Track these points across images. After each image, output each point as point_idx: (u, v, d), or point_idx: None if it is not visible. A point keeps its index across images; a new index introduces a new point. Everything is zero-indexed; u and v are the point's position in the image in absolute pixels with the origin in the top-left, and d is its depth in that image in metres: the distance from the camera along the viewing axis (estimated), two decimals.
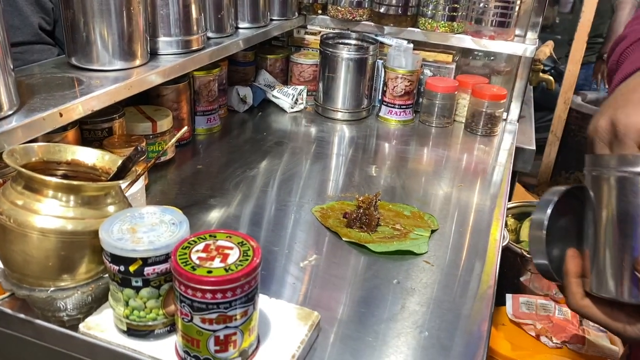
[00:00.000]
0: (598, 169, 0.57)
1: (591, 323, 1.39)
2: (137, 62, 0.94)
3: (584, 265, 0.58)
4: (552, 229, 0.61)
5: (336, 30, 1.56)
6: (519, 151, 1.43)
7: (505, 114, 1.50)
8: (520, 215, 1.75)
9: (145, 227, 0.60)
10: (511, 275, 1.50)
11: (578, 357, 1.29)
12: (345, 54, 1.40)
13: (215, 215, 0.97)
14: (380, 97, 1.51)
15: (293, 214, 0.99)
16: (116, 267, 0.58)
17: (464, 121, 1.47)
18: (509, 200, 1.76)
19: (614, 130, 0.57)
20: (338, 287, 0.80)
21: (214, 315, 0.54)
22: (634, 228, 0.53)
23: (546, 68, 3.19)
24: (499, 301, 1.39)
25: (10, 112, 0.72)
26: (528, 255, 1.46)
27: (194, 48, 1.06)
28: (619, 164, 0.55)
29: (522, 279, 1.51)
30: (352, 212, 0.94)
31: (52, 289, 0.62)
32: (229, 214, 0.98)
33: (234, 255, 0.56)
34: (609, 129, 0.57)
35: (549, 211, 0.60)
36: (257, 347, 0.62)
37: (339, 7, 1.51)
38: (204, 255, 0.56)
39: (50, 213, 0.59)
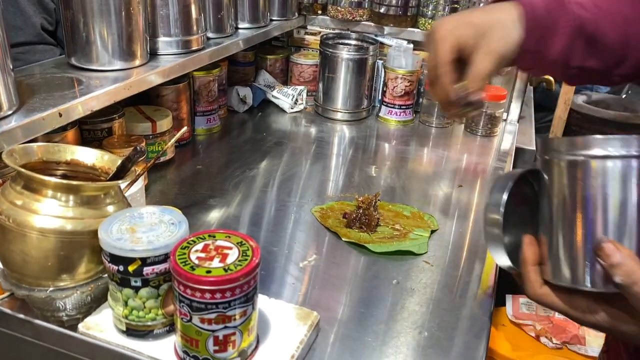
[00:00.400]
0: (549, 153, 0.56)
1: None
2: (137, 62, 0.94)
3: (541, 252, 0.57)
4: (507, 214, 0.59)
5: (336, 31, 1.56)
6: (519, 152, 1.43)
7: (505, 115, 1.50)
8: None
9: (145, 227, 0.60)
10: (511, 275, 1.50)
11: (578, 357, 1.29)
12: (345, 54, 1.40)
13: (214, 215, 0.97)
14: (380, 98, 1.51)
15: (293, 214, 0.99)
16: (115, 267, 0.58)
17: (463, 121, 1.47)
18: None
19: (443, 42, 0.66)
20: (337, 287, 0.80)
21: (213, 315, 0.54)
22: (588, 212, 0.52)
23: None
24: (499, 302, 1.39)
25: (9, 112, 0.72)
26: None
27: (193, 48, 1.06)
28: (569, 148, 0.54)
29: None
30: (352, 213, 0.94)
31: (51, 289, 0.62)
32: (228, 214, 0.98)
33: (233, 255, 0.56)
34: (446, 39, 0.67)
35: (505, 195, 0.58)
36: (256, 347, 0.62)
37: (338, 8, 1.51)
38: (203, 255, 0.56)
39: (49, 213, 0.59)
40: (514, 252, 0.60)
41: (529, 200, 0.61)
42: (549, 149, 0.56)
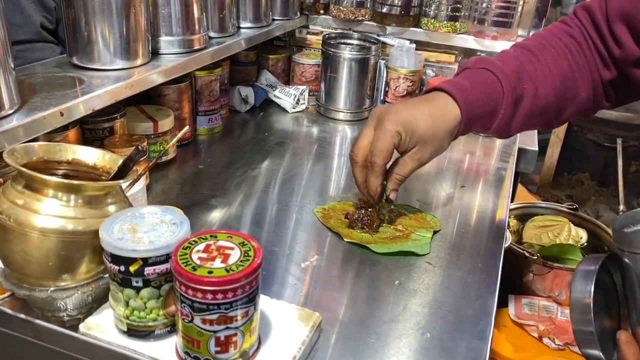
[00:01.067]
0: (635, 249, 0.55)
1: None
2: (139, 61, 0.94)
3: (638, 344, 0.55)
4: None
5: (338, 30, 1.55)
6: (521, 152, 1.42)
7: None
8: (522, 216, 1.74)
9: (146, 227, 0.59)
10: (513, 276, 1.50)
11: (581, 359, 1.29)
12: (348, 54, 1.40)
13: (216, 215, 0.97)
14: (382, 98, 1.50)
15: (294, 214, 0.98)
16: (116, 267, 0.57)
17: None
18: (511, 201, 1.76)
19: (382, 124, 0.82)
20: (339, 288, 0.79)
21: (214, 316, 0.54)
22: None
23: None
24: (501, 302, 1.39)
25: (11, 111, 0.72)
26: (530, 257, 1.46)
27: (195, 47, 1.06)
28: None
29: (524, 279, 1.51)
30: (354, 213, 0.94)
31: (52, 289, 0.62)
32: (230, 214, 0.98)
33: (234, 255, 0.56)
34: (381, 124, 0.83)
35: (592, 288, 0.57)
36: (257, 348, 0.61)
37: (341, 7, 1.51)
38: (204, 255, 0.55)
39: (50, 213, 0.59)
40: (600, 341, 0.58)
41: (607, 286, 0.60)
42: (630, 243, 0.55)
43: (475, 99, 0.79)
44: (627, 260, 0.57)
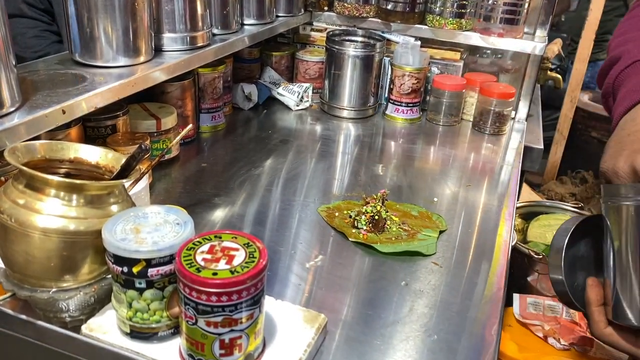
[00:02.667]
0: (615, 199, 0.58)
1: None
2: (142, 58, 0.93)
3: (605, 294, 0.59)
4: (570, 258, 0.63)
5: (342, 27, 1.54)
6: (527, 150, 1.41)
7: (513, 113, 1.48)
8: (527, 215, 1.73)
9: (149, 227, 0.58)
10: (518, 275, 1.49)
11: (586, 359, 1.27)
12: (352, 51, 1.38)
13: (219, 214, 0.96)
14: (386, 95, 1.49)
15: (298, 213, 0.97)
16: (119, 268, 0.56)
17: (471, 120, 1.45)
18: (517, 200, 1.74)
19: (635, 174, 0.58)
20: (344, 288, 0.78)
21: (219, 319, 0.53)
22: None
23: (552, 66, 3.17)
24: (506, 302, 1.38)
25: (12, 109, 0.71)
26: (535, 256, 1.44)
27: (199, 44, 1.05)
28: (634, 193, 0.56)
29: (529, 279, 1.49)
30: (359, 212, 0.93)
31: (54, 289, 0.61)
32: (233, 213, 0.97)
33: (239, 256, 0.55)
34: (630, 173, 0.58)
35: (566, 239, 0.63)
36: (262, 351, 0.60)
37: (345, 4, 1.49)
38: (209, 256, 0.54)
39: (52, 212, 0.58)
40: (579, 293, 0.63)
41: (591, 243, 0.64)
42: (612, 194, 0.58)
43: None
44: (604, 212, 0.60)
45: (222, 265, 0.53)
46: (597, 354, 1.27)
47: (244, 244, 0.57)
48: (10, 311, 0.65)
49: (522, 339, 1.34)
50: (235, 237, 0.58)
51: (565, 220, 0.68)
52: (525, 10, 1.38)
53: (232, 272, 0.52)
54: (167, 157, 1.10)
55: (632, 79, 0.71)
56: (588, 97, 2.99)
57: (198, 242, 0.57)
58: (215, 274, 0.52)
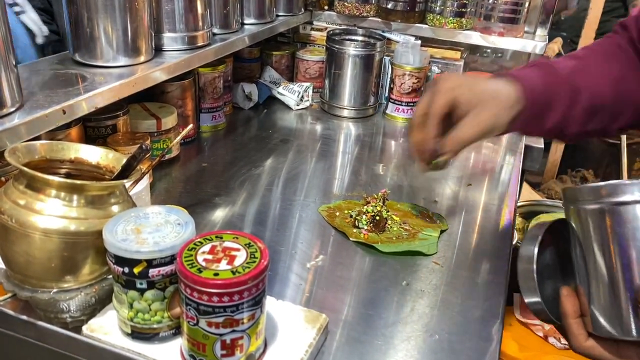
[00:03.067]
0: (574, 203, 0.55)
1: None
2: (142, 58, 0.92)
3: (580, 303, 0.56)
4: (539, 266, 0.59)
5: (343, 27, 1.54)
6: (527, 149, 1.41)
7: None
8: (527, 214, 1.73)
9: (150, 228, 0.58)
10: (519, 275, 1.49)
11: (586, 359, 1.28)
12: (352, 50, 1.38)
13: (220, 214, 0.96)
14: (387, 95, 1.49)
15: (298, 213, 0.97)
16: (120, 269, 0.56)
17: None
18: (517, 199, 1.74)
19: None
20: (345, 288, 0.78)
21: (220, 319, 0.53)
22: (623, 260, 0.51)
23: None
24: (507, 301, 1.38)
25: (12, 109, 0.71)
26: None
27: (199, 44, 1.05)
28: (594, 196, 0.53)
29: None
30: (360, 212, 0.92)
31: (54, 290, 0.61)
32: (233, 213, 0.97)
33: (241, 257, 0.55)
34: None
35: (536, 249, 0.58)
36: (264, 351, 0.60)
37: (345, 3, 1.49)
38: (210, 257, 0.54)
39: (53, 213, 0.58)
40: (550, 303, 0.59)
41: (557, 248, 0.61)
42: (574, 199, 0.56)
43: (536, 84, 0.76)
44: (569, 218, 0.57)
45: (223, 265, 0.53)
46: None
47: (245, 244, 0.57)
48: (11, 312, 0.65)
49: (523, 338, 1.34)
50: (237, 238, 0.58)
51: (533, 226, 0.65)
52: (525, 10, 1.38)
53: (233, 273, 0.52)
54: (167, 157, 1.10)
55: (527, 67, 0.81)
56: None
57: (199, 242, 0.57)
58: (216, 274, 0.52)
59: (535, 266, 0.58)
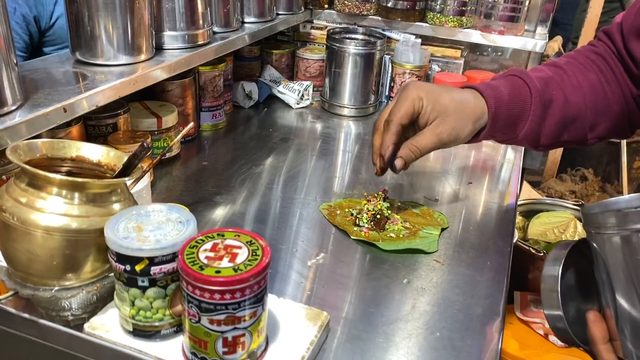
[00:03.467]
0: (599, 228, 0.54)
1: None
2: (142, 56, 0.92)
3: (609, 327, 0.55)
4: (562, 287, 0.58)
5: (343, 25, 1.54)
6: (527, 148, 1.41)
7: None
8: (527, 212, 1.73)
9: (152, 226, 0.58)
10: (519, 273, 1.49)
11: (586, 357, 1.28)
12: (352, 49, 1.38)
13: (220, 212, 0.96)
14: (387, 93, 1.49)
15: (299, 211, 0.97)
16: (122, 267, 0.56)
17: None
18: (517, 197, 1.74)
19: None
20: (346, 286, 0.78)
21: (222, 317, 0.53)
22: None
23: None
24: (507, 299, 1.38)
25: (13, 108, 0.71)
26: (536, 253, 1.45)
27: (199, 42, 1.05)
28: (619, 223, 0.52)
29: (530, 276, 1.50)
30: (361, 210, 0.93)
31: (56, 288, 0.61)
32: (234, 211, 0.97)
33: (242, 254, 0.55)
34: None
35: (560, 269, 0.58)
36: (265, 349, 0.60)
37: (345, 2, 1.49)
38: (212, 254, 0.54)
39: (54, 211, 0.58)
40: (577, 325, 0.58)
41: (583, 269, 0.60)
42: (597, 224, 0.54)
43: (502, 97, 0.78)
44: (592, 241, 0.56)
45: (225, 263, 0.53)
46: None
47: (247, 242, 0.57)
48: (12, 310, 0.65)
49: (523, 337, 1.34)
50: (238, 235, 0.58)
51: (551, 251, 0.64)
52: (525, 8, 1.38)
53: (235, 270, 0.52)
54: (168, 155, 1.10)
55: (496, 81, 0.84)
56: None
57: (201, 240, 0.57)
58: (218, 271, 0.52)
59: (559, 287, 0.57)
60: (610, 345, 0.55)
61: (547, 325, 1.32)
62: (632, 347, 0.53)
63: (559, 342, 1.29)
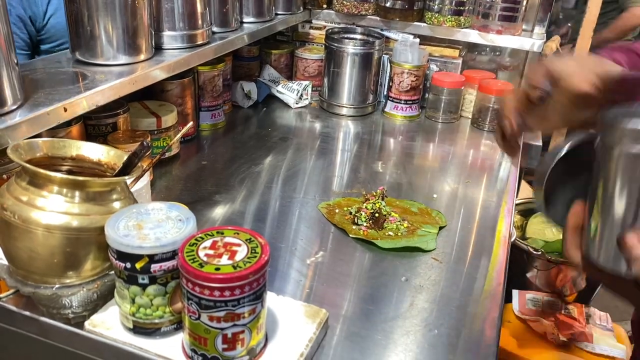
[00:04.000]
0: (610, 137, 0.55)
1: (597, 321, 1.38)
2: (142, 56, 0.93)
3: (584, 219, 0.58)
4: (564, 175, 0.61)
5: (341, 25, 1.54)
6: (525, 147, 1.41)
7: None
8: (526, 211, 1.73)
9: (152, 224, 0.59)
10: (517, 271, 1.49)
11: (585, 354, 1.28)
12: (351, 48, 1.39)
13: (220, 211, 0.96)
14: (385, 93, 1.50)
15: (298, 210, 0.98)
16: (122, 264, 0.57)
17: (470, 117, 1.45)
18: (516, 197, 1.75)
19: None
20: (345, 284, 0.79)
21: (221, 313, 0.54)
22: (631, 201, 0.52)
23: None
24: (505, 298, 1.38)
25: (14, 107, 0.71)
26: (534, 252, 1.45)
27: (198, 42, 1.05)
28: (634, 140, 0.53)
29: (528, 275, 1.50)
30: (359, 209, 0.93)
31: (57, 286, 0.61)
32: (233, 210, 0.97)
33: (242, 252, 0.55)
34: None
35: (564, 150, 0.60)
36: (265, 345, 0.61)
37: (344, 2, 1.50)
38: (211, 252, 0.55)
39: (55, 209, 0.59)
40: (558, 209, 0.62)
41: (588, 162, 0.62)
42: (614, 133, 0.55)
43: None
44: (601, 146, 0.58)
45: (224, 260, 0.54)
46: (595, 350, 1.28)
47: (246, 240, 0.57)
48: (14, 307, 0.65)
49: (522, 335, 1.35)
50: (238, 233, 0.58)
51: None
52: (523, 7, 1.39)
53: (234, 267, 0.53)
54: (167, 155, 1.11)
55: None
56: None
57: (200, 237, 0.57)
58: (217, 269, 0.52)
59: (553, 165, 0.60)
60: (578, 232, 0.58)
61: (545, 323, 1.32)
62: (592, 244, 0.55)
63: (557, 340, 1.30)
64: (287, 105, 1.48)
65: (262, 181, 1.08)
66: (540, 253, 1.44)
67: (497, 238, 0.93)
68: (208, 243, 0.56)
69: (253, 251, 0.55)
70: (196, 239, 0.57)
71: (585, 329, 1.32)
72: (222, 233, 0.58)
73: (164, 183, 1.04)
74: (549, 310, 1.39)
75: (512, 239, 1.46)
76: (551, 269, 1.46)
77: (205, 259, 0.54)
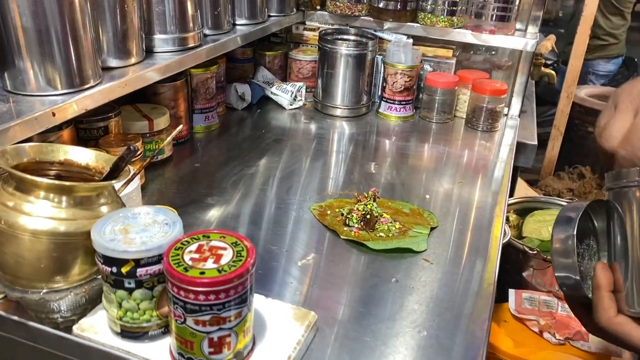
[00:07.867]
0: (622, 183, 0.56)
1: None
2: (133, 60, 0.93)
3: (615, 279, 0.56)
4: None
5: (335, 26, 1.54)
6: (520, 146, 1.42)
7: (506, 109, 1.48)
8: (522, 211, 1.74)
9: (138, 228, 0.59)
10: (513, 271, 1.49)
11: (581, 354, 1.28)
12: (344, 49, 1.39)
13: (213, 214, 0.96)
14: (379, 93, 1.50)
15: (292, 212, 0.98)
16: (108, 269, 0.57)
17: (464, 117, 1.45)
18: (511, 196, 1.75)
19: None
20: (336, 286, 0.79)
21: (207, 317, 0.54)
22: None
23: (548, 62, 3.17)
24: (501, 298, 1.38)
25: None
26: (530, 251, 1.45)
27: (190, 45, 1.05)
28: None
29: (524, 274, 1.50)
30: (351, 210, 0.93)
31: (45, 290, 0.61)
32: (227, 213, 0.97)
33: (227, 256, 0.55)
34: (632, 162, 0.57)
35: (575, 225, 0.58)
36: (252, 349, 0.61)
37: (337, 3, 1.49)
38: (196, 256, 0.55)
39: (42, 214, 0.59)
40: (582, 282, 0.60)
41: (589, 233, 0.62)
42: (621, 178, 0.57)
43: None
44: (611, 197, 0.58)
45: (209, 264, 0.54)
46: (592, 349, 1.28)
47: (232, 243, 0.57)
48: (2, 313, 0.65)
49: (518, 334, 1.35)
50: (224, 237, 0.58)
51: (566, 207, 0.64)
52: (516, 7, 1.39)
53: (219, 271, 0.53)
54: (160, 157, 1.11)
55: None
56: (585, 92, 3.00)
57: (186, 241, 0.57)
58: (202, 273, 0.52)
59: (575, 243, 0.58)
60: (613, 295, 0.55)
61: (541, 323, 1.32)
62: (637, 298, 0.54)
63: (553, 339, 1.30)
64: (281, 107, 1.48)
65: (256, 183, 1.08)
66: (536, 252, 1.44)
67: (489, 238, 0.93)
68: (194, 247, 0.56)
69: (239, 255, 0.55)
70: (182, 243, 0.57)
71: (582, 328, 1.31)
72: (208, 237, 0.58)
73: (156, 186, 1.04)
74: (545, 310, 1.38)
75: (507, 239, 1.46)
76: (547, 268, 1.45)
77: (190, 263, 0.54)
